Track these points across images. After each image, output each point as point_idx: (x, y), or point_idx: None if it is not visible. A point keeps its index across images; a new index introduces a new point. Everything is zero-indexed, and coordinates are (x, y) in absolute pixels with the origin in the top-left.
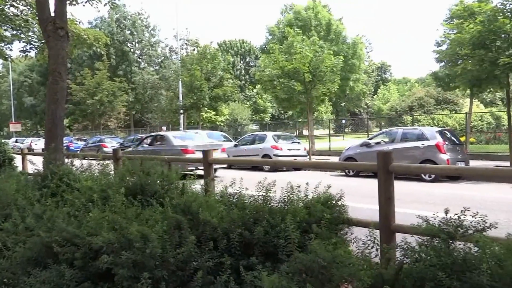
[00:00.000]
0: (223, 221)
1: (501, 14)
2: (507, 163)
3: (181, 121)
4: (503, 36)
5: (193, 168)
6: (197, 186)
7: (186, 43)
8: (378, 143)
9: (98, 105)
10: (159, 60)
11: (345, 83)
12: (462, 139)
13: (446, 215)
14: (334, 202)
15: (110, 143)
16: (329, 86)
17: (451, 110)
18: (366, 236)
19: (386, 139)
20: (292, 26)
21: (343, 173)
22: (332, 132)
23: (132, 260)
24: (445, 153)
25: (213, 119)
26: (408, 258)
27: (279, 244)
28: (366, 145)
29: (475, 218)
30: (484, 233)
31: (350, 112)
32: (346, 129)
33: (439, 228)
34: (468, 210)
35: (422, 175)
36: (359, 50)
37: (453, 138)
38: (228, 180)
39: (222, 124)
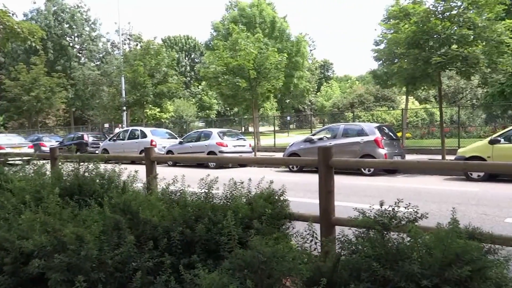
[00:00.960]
0: (164, 219)
1: (433, 15)
2: (440, 157)
3: (124, 118)
4: (435, 36)
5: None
6: (139, 184)
7: (128, 38)
8: (320, 139)
9: (35, 102)
10: (101, 55)
11: (289, 80)
12: (399, 134)
13: (381, 207)
14: (276, 197)
15: (49, 142)
16: (273, 83)
17: (389, 106)
18: (305, 231)
19: (329, 135)
20: (237, 23)
21: (287, 169)
22: (277, 128)
23: (66, 263)
24: (383, 148)
25: (158, 116)
26: (345, 250)
27: (221, 241)
28: (309, 141)
29: (408, 209)
30: (416, 223)
31: (294, 108)
32: (291, 126)
33: (375, 220)
34: (402, 202)
35: (362, 169)
36: (303, 48)
37: (390, 133)
38: (172, 178)
39: (167, 121)
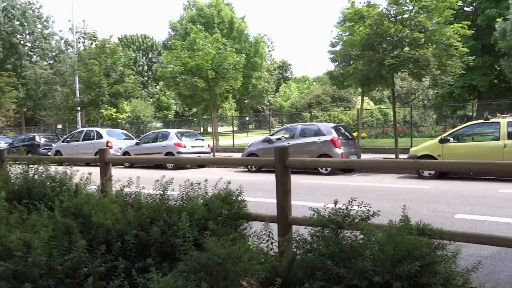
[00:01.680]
0: (118, 222)
1: (386, 18)
2: (394, 156)
3: (79, 118)
4: (388, 39)
5: None
6: (93, 187)
7: (83, 37)
8: (279, 139)
9: None
10: (53, 53)
11: (248, 80)
12: (355, 134)
13: (335, 206)
14: (233, 198)
15: None
16: (232, 83)
17: (346, 107)
18: (261, 231)
19: (287, 135)
20: (195, 23)
21: (246, 169)
22: (236, 129)
23: (12, 270)
24: (339, 147)
25: (114, 116)
26: (301, 250)
27: (177, 243)
28: (268, 141)
29: (361, 207)
30: (368, 221)
31: (253, 109)
32: (250, 126)
33: (329, 218)
34: (355, 200)
35: (319, 169)
36: (261, 48)
37: (346, 133)
38: (127, 180)
39: (123, 121)
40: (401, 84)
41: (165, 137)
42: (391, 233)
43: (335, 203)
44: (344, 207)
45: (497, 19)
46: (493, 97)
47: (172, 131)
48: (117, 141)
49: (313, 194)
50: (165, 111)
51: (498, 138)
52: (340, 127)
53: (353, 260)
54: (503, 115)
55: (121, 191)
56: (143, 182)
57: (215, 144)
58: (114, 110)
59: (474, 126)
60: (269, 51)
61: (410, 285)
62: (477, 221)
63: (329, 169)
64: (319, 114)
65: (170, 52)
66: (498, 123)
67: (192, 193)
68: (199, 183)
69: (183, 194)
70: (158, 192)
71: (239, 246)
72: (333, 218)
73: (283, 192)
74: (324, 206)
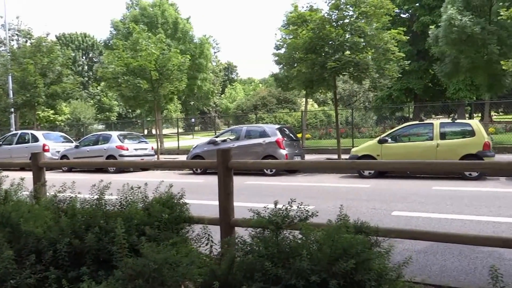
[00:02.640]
0: (50, 230)
1: (328, 23)
2: (336, 156)
3: (12, 120)
4: (330, 42)
5: None
6: (26, 193)
7: (17, 34)
8: (224, 140)
9: None
10: None
11: (193, 82)
12: (299, 135)
13: (275, 207)
14: (175, 201)
15: None
16: (176, 84)
17: (291, 108)
18: (198, 234)
19: (232, 137)
20: (138, 23)
21: (191, 172)
22: (181, 130)
23: None
24: (284, 149)
25: (52, 118)
26: (241, 251)
27: (114, 250)
28: (213, 143)
29: (300, 208)
30: (307, 221)
31: (199, 110)
32: (196, 128)
33: (268, 220)
34: (295, 201)
35: (265, 170)
36: (206, 50)
37: (291, 134)
38: (65, 185)
39: (62, 124)
40: (343, 87)
41: (106, 139)
42: (329, 232)
43: (275, 204)
44: (283, 208)
45: (431, 26)
46: (428, 100)
47: (114, 134)
48: (54, 144)
49: (258, 195)
50: (107, 113)
51: (431, 138)
52: (285, 129)
53: (291, 260)
54: (437, 117)
55: (54, 197)
56: (81, 186)
57: (159, 146)
58: (52, 112)
59: (410, 127)
60: (215, 52)
61: (346, 282)
62: (412, 218)
63: (274, 170)
64: (264, 115)
65: (111, 52)
66: (432, 124)
67: (131, 197)
68: (139, 187)
69: (121, 198)
70: (95, 197)
71: (176, 250)
72: (273, 219)
73: (226, 194)
74: (264, 207)
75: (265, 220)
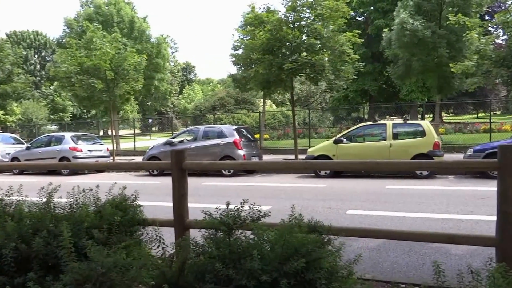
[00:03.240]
0: None
1: (285, 24)
2: (293, 156)
3: None
4: (287, 44)
5: None
6: None
7: None
8: (181, 141)
9: None
10: None
11: (150, 82)
12: (257, 136)
13: (227, 208)
14: (128, 203)
15: None
16: (132, 84)
17: (249, 109)
18: (153, 236)
19: (189, 137)
20: (92, 21)
21: (148, 173)
22: (138, 131)
23: None
24: (241, 149)
25: (2, 119)
26: (193, 253)
27: (62, 254)
28: (170, 143)
29: (251, 208)
30: (260, 221)
31: (157, 111)
32: (154, 128)
33: (220, 220)
34: (247, 202)
35: (223, 171)
36: (164, 50)
37: (248, 135)
38: (12, 188)
39: (13, 124)
40: (301, 88)
41: (59, 141)
42: (281, 232)
43: (227, 205)
44: (235, 208)
45: (384, 29)
46: (383, 101)
47: (67, 135)
48: (4, 146)
49: (215, 196)
50: (60, 114)
51: (385, 139)
52: (242, 129)
53: (243, 260)
54: (391, 118)
55: (0, 201)
56: (32, 189)
57: (115, 147)
58: (2, 112)
59: (364, 128)
60: (172, 52)
61: (297, 281)
62: (366, 216)
63: (231, 170)
64: (223, 116)
65: (65, 50)
66: (385, 124)
67: (82, 200)
68: (91, 189)
69: (72, 201)
70: (43, 200)
71: (127, 253)
72: (224, 220)
73: (180, 196)
74: (216, 208)
75: (216, 221)
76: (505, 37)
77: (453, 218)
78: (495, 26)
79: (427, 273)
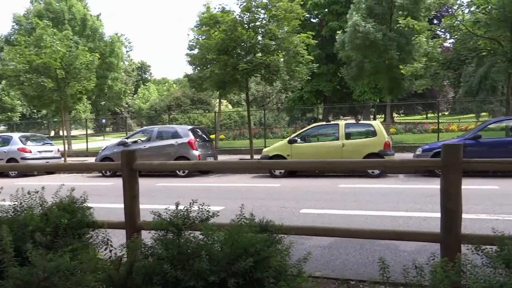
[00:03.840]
0: None
1: (240, 25)
2: (249, 156)
3: None
4: (242, 44)
5: None
6: None
7: None
8: (135, 142)
9: None
10: None
11: (103, 81)
12: (213, 136)
13: (177, 208)
14: (77, 205)
15: None
16: (84, 83)
17: (205, 109)
18: (103, 239)
19: (143, 138)
20: (42, 18)
21: (101, 174)
22: (92, 132)
23: None
24: (196, 150)
25: None
26: (141, 255)
27: (3, 260)
28: (123, 144)
29: (200, 208)
30: (210, 221)
31: (111, 111)
32: (107, 129)
33: (169, 221)
34: (196, 202)
35: (177, 171)
36: (118, 48)
37: (203, 135)
38: None
39: None
40: (256, 88)
41: (7, 141)
42: (230, 232)
43: (177, 205)
44: (184, 209)
45: (338, 31)
46: (336, 101)
47: (15, 135)
48: None
49: (169, 197)
50: (9, 113)
51: (337, 138)
52: (197, 129)
53: (191, 261)
54: (345, 118)
55: None
56: None
57: (66, 148)
58: None
59: (317, 128)
60: (127, 51)
61: (245, 280)
62: (319, 215)
63: (186, 171)
64: (178, 116)
65: (13, 48)
66: (338, 124)
67: (27, 202)
68: (37, 191)
69: (16, 204)
70: None
71: (71, 257)
72: (173, 221)
73: (131, 197)
74: (166, 209)
75: (165, 222)
76: (452, 40)
77: (402, 216)
78: (443, 30)
79: (377, 270)
